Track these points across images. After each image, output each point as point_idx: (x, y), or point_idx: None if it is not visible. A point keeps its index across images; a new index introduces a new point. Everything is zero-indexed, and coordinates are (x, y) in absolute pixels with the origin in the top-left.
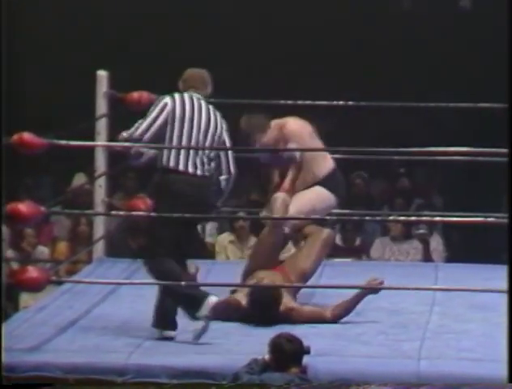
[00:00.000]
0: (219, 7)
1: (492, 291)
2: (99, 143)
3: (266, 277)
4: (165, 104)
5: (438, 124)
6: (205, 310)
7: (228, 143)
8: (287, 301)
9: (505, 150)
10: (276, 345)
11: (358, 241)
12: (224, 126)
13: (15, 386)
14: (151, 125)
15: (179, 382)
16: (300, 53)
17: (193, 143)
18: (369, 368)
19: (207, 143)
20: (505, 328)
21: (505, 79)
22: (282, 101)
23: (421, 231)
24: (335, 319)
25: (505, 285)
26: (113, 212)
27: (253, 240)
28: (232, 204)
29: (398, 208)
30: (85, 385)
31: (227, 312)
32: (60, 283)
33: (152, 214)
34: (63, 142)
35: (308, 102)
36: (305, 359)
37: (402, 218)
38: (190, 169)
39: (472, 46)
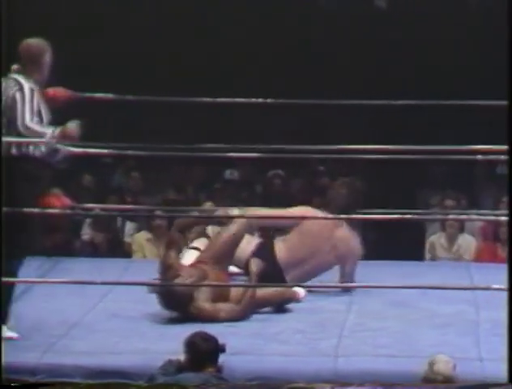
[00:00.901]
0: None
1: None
2: (12, 138)
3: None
4: None
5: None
6: None
7: (16, 117)
8: (200, 300)
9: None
10: (191, 345)
11: None
12: (10, 99)
13: (15, 386)
14: None
15: (94, 382)
16: (230, 52)
17: None
18: (287, 366)
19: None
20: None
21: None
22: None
23: None
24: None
25: (424, 281)
26: (26, 209)
27: None
28: (148, 203)
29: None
30: None
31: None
32: None
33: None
34: None
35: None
36: (221, 358)
37: (320, 216)
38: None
39: (389, 46)
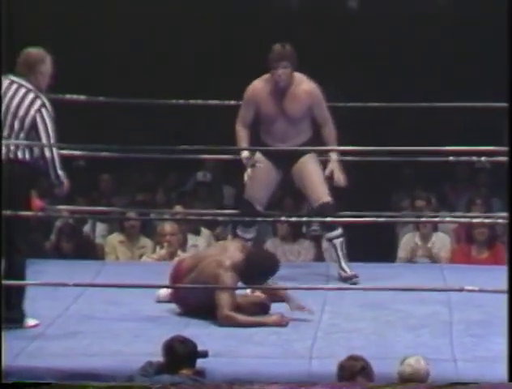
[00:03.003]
0: None
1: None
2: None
3: None
4: None
5: None
6: None
7: (39, 127)
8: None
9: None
10: (169, 347)
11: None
12: (34, 110)
13: (15, 386)
14: None
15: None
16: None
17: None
18: (261, 368)
19: (7, 125)
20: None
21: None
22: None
23: (314, 228)
24: (223, 323)
25: (397, 283)
26: (8, 212)
27: (143, 240)
28: (120, 204)
29: (288, 209)
30: None
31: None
32: None
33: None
34: None
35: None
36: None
37: (293, 218)
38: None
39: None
